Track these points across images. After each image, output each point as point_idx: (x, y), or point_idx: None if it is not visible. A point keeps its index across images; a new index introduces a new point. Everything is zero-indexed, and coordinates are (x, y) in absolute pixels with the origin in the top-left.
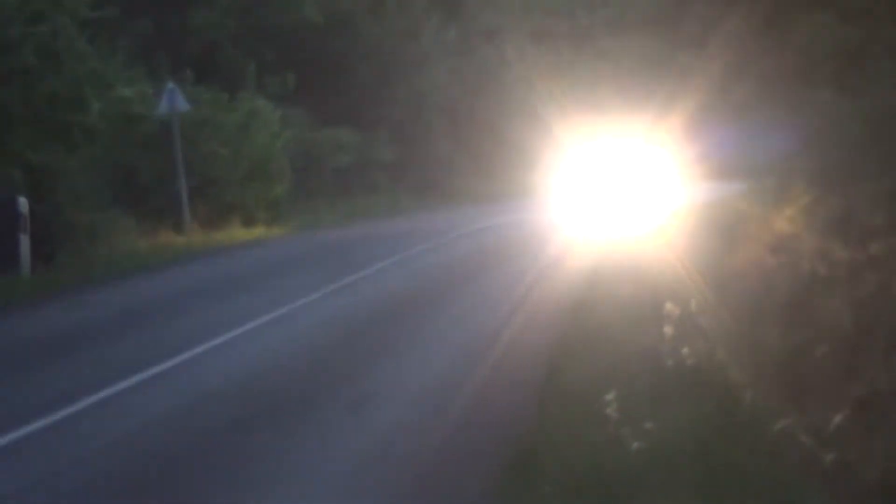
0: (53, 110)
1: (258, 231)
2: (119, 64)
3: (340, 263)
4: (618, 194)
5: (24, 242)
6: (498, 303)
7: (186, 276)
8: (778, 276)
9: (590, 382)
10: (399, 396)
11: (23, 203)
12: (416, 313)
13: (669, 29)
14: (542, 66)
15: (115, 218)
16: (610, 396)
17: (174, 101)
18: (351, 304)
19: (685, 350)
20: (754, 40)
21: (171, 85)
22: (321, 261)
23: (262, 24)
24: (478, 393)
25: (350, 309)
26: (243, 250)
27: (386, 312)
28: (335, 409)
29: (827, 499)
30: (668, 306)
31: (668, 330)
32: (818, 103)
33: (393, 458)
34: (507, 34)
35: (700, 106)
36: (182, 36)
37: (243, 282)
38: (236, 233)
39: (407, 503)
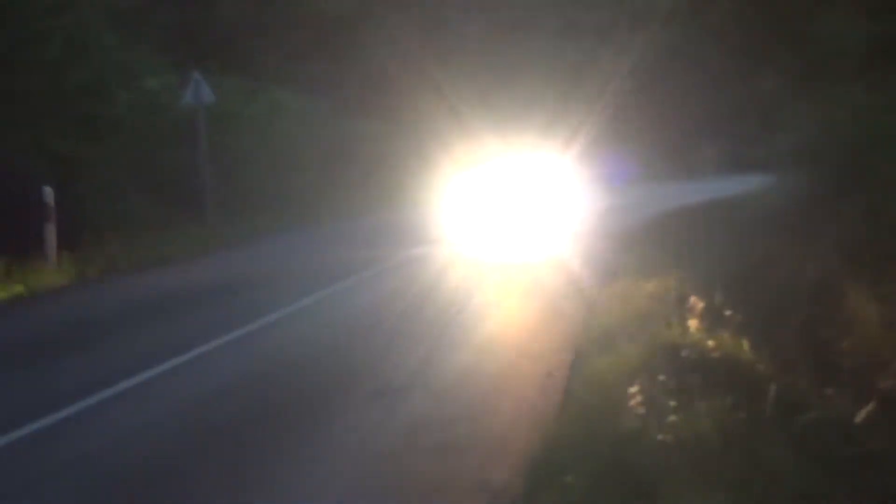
0: (79, 101)
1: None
2: (144, 55)
3: None
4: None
5: (50, 231)
6: None
7: None
8: (804, 269)
9: (614, 375)
10: None
11: (48, 193)
12: None
13: (694, 22)
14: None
15: (140, 208)
16: (634, 389)
17: (199, 91)
18: None
19: (710, 343)
20: (777, 34)
21: (196, 76)
22: None
23: (286, 14)
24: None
25: None
26: None
27: None
28: None
29: (852, 492)
30: (693, 299)
31: (692, 323)
32: (841, 96)
33: None
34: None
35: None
36: (207, 26)
37: None
38: None
39: None
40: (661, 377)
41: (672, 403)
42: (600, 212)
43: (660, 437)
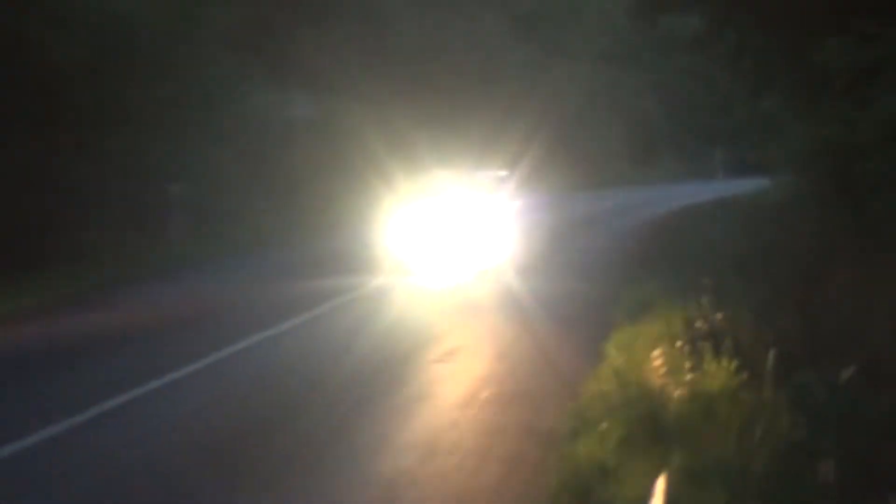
0: (196, 113)
1: None
2: (253, 75)
3: None
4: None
5: (175, 222)
6: None
7: None
8: (799, 256)
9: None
10: None
11: (176, 188)
12: None
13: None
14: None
15: (246, 202)
16: (656, 353)
17: (301, 107)
18: None
19: (719, 316)
20: (780, 59)
21: (297, 93)
22: None
23: (372, 43)
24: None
25: None
26: None
27: None
28: None
29: (837, 439)
30: (705, 280)
31: (704, 300)
32: (832, 112)
33: None
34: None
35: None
36: (308, 50)
37: None
38: None
39: None
40: (678, 343)
41: (687, 365)
42: (620, 208)
43: (678, 392)
